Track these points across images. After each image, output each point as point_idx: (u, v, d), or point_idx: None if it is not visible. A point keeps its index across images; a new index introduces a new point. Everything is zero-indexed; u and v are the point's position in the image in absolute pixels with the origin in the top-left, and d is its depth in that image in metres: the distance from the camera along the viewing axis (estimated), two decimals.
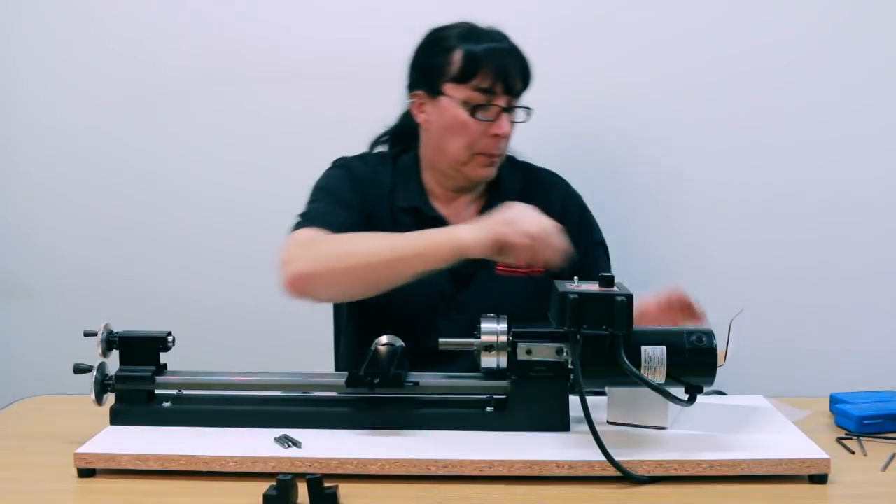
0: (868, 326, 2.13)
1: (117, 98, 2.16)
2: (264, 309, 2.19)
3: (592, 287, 1.26)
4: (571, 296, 1.23)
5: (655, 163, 2.12)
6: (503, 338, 1.30)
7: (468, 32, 1.62)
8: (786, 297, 2.13)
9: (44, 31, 2.15)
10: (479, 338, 1.30)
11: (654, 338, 1.25)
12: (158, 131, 2.17)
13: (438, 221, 1.66)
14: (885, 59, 2.08)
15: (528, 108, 1.64)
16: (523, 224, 1.40)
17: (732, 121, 2.10)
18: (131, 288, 2.21)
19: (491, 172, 1.66)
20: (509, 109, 1.61)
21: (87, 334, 1.35)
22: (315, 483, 1.11)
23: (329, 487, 1.12)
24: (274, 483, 1.11)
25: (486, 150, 1.61)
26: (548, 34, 2.04)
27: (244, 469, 1.21)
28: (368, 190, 1.66)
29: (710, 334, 1.26)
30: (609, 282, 1.26)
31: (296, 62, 2.13)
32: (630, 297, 1.22)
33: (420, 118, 1.67)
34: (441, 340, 1.33)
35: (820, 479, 1.20)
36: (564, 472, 1.19)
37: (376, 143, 1.79)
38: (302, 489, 1.12)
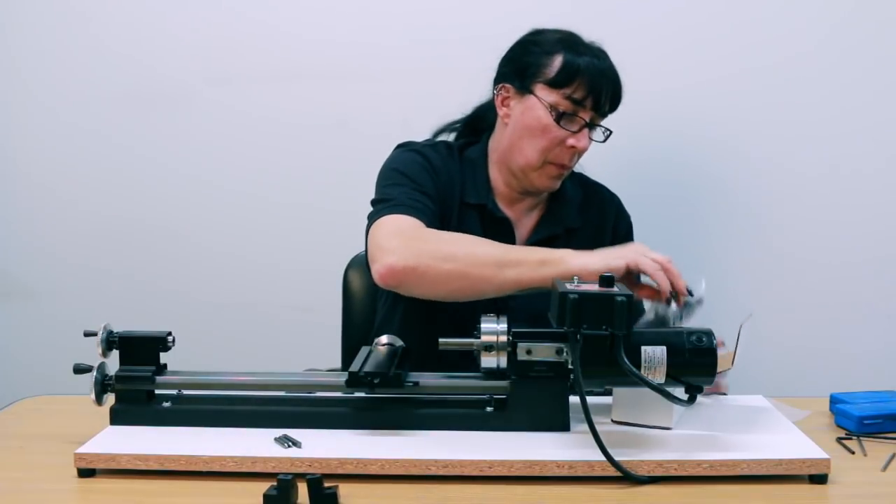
0: (868, 326, 2.13)
1: (117, 98, 2.16)
2: (265, 309, 2.20)
3: (592, 287, 1.26)
4: (571, 296, 1.23)
5: (655, 163, 2.12)
6: (503, 338, 1.29)
7: (570, 40, 1.61)
8: (786, 297, 2.13)
9: (43, 32, 2.15)
10: (479, 338, 1.30)
11: (654, 338, 1.25)
12: (158, 131, 2.17)
13: (504, 223, 1.66)
14: (884, 57, 2.08)
15: (609, 131, 1.63)
16: (650, 254, 1.38)
17: (734, 122, 2.10)
18: (131, 288, 2.21)
19: (555, 184, 1.66)
20: (592, 126, 1.61)
21: (87, 334, 1.35)
22: (315, 483, 1.11)
23: (329, 487, 1.12)
24: (274, 483, 1.11)
25: (559, 160, 1.61)
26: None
27: (244, 469, 1.21)
28: (442, 181, 1.64)
29: (709, 334, 1.26)
30: (609, 282, 1.26)
31: (296, 62, 2.13)
32: (630, 297, 1.22)
33: (501, 111, 1.65)
34: (441, 340, 1.33)
35: (820, 479, 1.20)
36: (564, 472, 1.19)
37: (444, 130, 1.77)
38: (302, 489, 1.12)
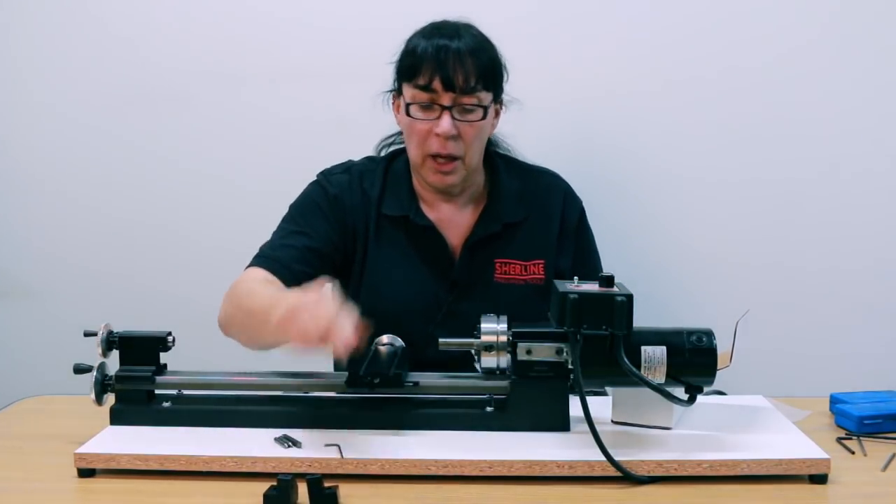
0: (868, 327, 2.13)
1: (117, 98, 2.16)
2: None
3: (592, 287, 1.26)
4: (571, 296, 1.23)
5: (656, 163, 2.12)
6: (503, 338, 1.30)
7: (429, 29, 1.59)
8: (786, 297, 2.13)
9: (43, 31, 2.15)
10: (479, 338, 1.30)
11: (654, 338, 1.25)
12: (157, 131, 2.17)
13: (428, 230, 1.63)
14: (880, 56, 2.07)
15: (484, 107, 1.57)
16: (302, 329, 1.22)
17: (733, 123, 2.10)
18: (131, 288, 2.20)
19: (443, 180, 1.59)
20: (456, 108, 1.55)
21: (87, 334, 1.35)
22: (315, 483, 1.11)
23: (329, 487, 1.12)
24: (274, 483, 1.11)
25: (432, 151, 1.56)
26: (546, 34, 2.05)
27: (244, 469, 1.21)
28: (346, 204, 1.63)
29: (709, 334, 1.26)
30: (609, 282, 1.26)
31: (296, 62, 2.12)
32: (630, 297, 1.22)
33: (396, 119, 1.66)
34: (441, 340, 1.33)
35: (820, 479, 1.20)
36: (564, 472, 1.20)
37: (385, 143, 1.77)
38: (302, 489, 1.12)
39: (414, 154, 1.60)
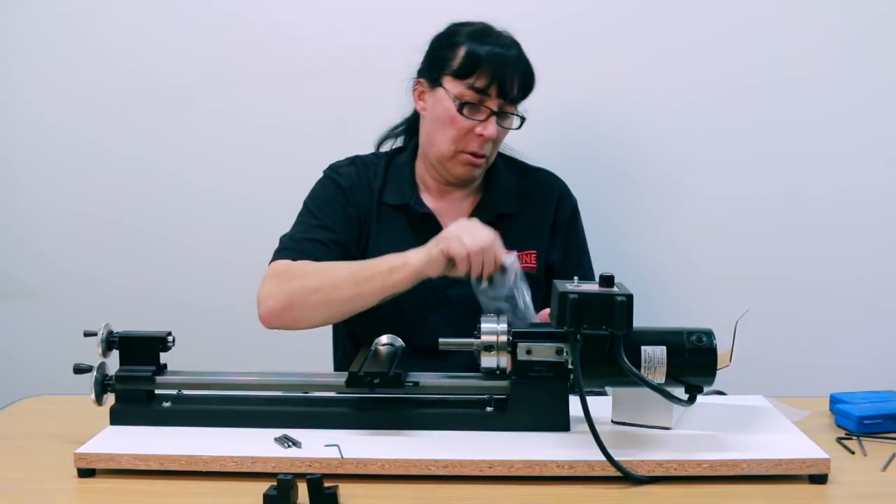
0: (868, 327, 2.13)
1: (117, 99, 2.16)
2: None
3: (592, 287, 1.26)
4: (571, 296, 1.23)
5: (656, 163, 2.12)
6: (503, 338, 1.30)
7: (479, 32, 1.64)
8: (786, 297, 2.13)
9: (43, 32, 2.15)
10: (479, 338, 1.30)
11: (654, 338, 1.25)
12: (157, 132, 2.17)
13: (428, 217, 1.68)
14: (879, 57, 2.07)
15: (522, 117, 1.66)
16: (464, 238, 1.43)
17: (736, 124, 2.10)
18: (131, 288, 2.20)
19: (472, 172, 1.67)
20: (500, 114, 1.62)
21: (87, 334, 1.35)
22: (315, 483, 1.11)
23: (329, 487, 1.12)
24: (274, 483, 1.11)
25: (469, 149, 1.63)
26: (555, 35, 2.04)
27: (244, 469, 1.21)
28: (356, 194, 1.70)
29: (709, 334, 1.26)
30: (609, 282, 1.26)
31: (296, 62, 2.12)
32: (630, 297, 1.22)
33: (418, 105, 1.70)
34: (441, 340, 1.34)
35: (820, 479, 1.20)
36: (564, 472, 1.20)
37: (387, 136, 1.81)
38: (302, 489, 1.12)
39: (445, 147, 1.64)
